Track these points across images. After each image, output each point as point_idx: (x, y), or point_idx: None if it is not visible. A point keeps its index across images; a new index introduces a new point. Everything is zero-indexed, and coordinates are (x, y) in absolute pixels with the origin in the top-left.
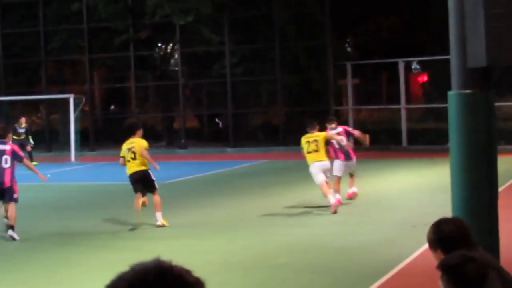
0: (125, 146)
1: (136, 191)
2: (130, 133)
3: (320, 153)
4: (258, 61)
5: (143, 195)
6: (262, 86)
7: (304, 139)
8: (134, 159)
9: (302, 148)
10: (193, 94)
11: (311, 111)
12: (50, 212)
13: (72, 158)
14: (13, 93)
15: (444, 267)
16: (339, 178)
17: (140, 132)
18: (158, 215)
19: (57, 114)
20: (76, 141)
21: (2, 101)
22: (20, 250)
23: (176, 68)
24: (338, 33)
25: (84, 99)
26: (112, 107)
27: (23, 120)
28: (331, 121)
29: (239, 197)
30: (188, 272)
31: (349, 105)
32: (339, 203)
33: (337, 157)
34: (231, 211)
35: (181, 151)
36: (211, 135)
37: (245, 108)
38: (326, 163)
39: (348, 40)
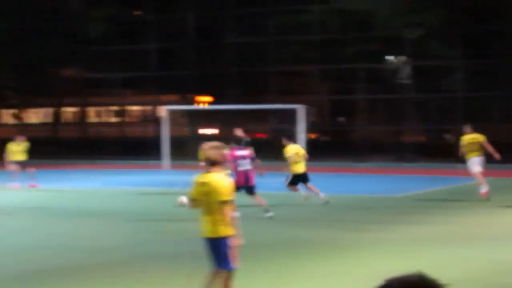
0: (293, 151)
1: (295, 185)
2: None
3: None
4: (490, 77)
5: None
6: (494, 103)
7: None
8: (299, 162)
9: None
10: (422, 108)
11: None
12: (276, 222)
13: None
14: (242, 102)
15: None
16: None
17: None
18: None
19: (286, 124)
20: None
21: (233, 110)
22: (248, 257)
23: (405, 82)
24: None
25: (313, 110)
26: (341, 118)
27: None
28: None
29: (467, 213)
30: (447, 286)
31: None
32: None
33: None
34: (459, 228)
35: (409, 165)
36: (439, 150)
37: (475, 124)
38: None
39: None
